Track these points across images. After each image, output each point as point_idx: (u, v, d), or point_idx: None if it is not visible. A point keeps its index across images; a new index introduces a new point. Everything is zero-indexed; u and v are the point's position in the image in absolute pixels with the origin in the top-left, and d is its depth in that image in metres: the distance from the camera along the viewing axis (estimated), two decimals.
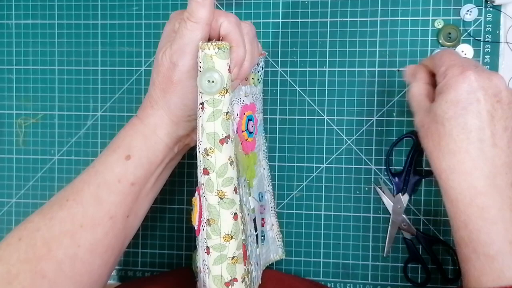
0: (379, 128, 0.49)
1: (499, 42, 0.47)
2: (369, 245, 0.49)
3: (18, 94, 0.53)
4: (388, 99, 0.48)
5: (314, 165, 0.50)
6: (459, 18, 0.47)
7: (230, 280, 0.34)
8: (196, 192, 0.36)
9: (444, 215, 0.48)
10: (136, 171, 0.37)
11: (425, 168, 0.48)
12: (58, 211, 0.36)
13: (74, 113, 0.52)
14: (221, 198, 0.34)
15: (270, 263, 0.48)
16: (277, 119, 0.50)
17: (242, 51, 0.34)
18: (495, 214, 0.34)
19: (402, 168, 0.48)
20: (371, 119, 0.49)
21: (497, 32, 0.47)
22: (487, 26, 0.47)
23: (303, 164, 0.50)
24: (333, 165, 0.49)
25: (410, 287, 0.49)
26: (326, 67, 0.49)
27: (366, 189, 0.49)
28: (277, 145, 0.50)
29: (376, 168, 0.49)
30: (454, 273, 0.48)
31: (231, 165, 0.34)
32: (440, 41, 0.47)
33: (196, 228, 0.36)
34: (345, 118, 0.49)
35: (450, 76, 0.35)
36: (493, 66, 0.47)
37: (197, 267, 0.38)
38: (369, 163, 0.49)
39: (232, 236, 0.34)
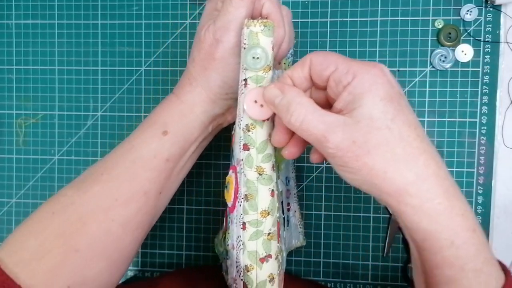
0: None
1: (499, 42, 0.47)
2: (369, 245, 0.49)
3: (18, 94, 0.53)
4: None
5: (314, 165, 0.50)
6: (459, 18, 0.47)
7: (265, 256, 0.35)
8: (231, 170, 0.37)
9: None
10: (172, 147, 0.37)
11: None
12: (92, 185, 0.35)
13: (74, 113, 0.52)
14: (260, 174, 0.34)
15: (291, 249, 0.48)
16: None
17: (282, 31, 0.35)
18: (471, 217, 0.29)
19: None
20: None
21: (497, 32, 0.47)
22: (487, 26, 0.47)
23: (303, 164, 0.50)
24: None
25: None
26: None
27: None
28: None
29: None
30: None
31: (270, 142, 0.34)
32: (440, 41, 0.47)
33: (230, 206, 0.37)
34: None
35: (363, 72, 0.29)
36: (493, 66, 0.47)
37: (228, 245, 0.38)
38: None
39: (268, 212, 0.34)
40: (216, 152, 0.51)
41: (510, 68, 0.47)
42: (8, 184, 0.54)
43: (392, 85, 0.29)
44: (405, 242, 0.48)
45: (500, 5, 0.46)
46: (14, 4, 0.53)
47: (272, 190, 0.34)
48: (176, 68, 0.51)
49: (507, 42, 0.47)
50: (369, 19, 0.48)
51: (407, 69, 0.48)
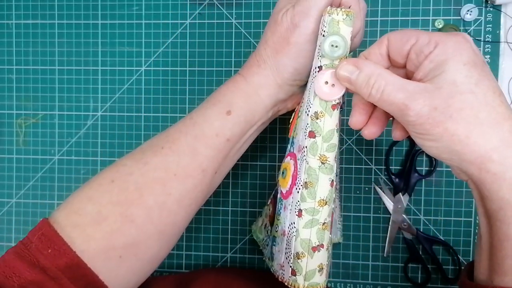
0: None
1: (499, 42, 0.47)
2: (369, 245, 0.49)
3: (18, 94, 0.53)
4: None
5: None
6: (459, 18, 0.47)
7: (318, 245, 0.34)
8: (288, 157, 0.37)
9: (444, 215, 0.48)
10: (234, 127, 0.37)
11: (425, 168, 0.48)
12: (152, 157, 0.36)
13: (74, 113, 0.52)
14: (322, 163, 0.34)
15: None
16: (277, 119, 0.50)
17: (358, 24, 0.35)
18: None
19: (402, 168, 0.48)
20: None
21: (497, 32, 0.47)
22: (487, 26, 0.47)
23: None
24: None
25: (410, 287, 0.49)
26: None
27: (366, 189, 0.49)
28: (277, 145, 0.50)
29: (376, 168, 0.49)
30: (454, 273, 0.48)
31: (337, 132, 0.34)
32: None
33: (284, 192, 0.37)
34: (345, 118, 0.49)
35: (446, 40, 0.29)
36: (493, 66, 0.47)
37: (277, 231, 0.38)
38: (369, 163, 0.49)
39: (326, 202, 0.34)
40: None
41: (510, 68, 0.47)
42: (8, 184, 0.54)
43: (475, 52, 0.29)
44: (406, 242, 0.48)
45: (500, 5, 0.46)
46: (14, 4, 0.53)
47: (332, 180, 0.34)
48: (176, 68, 0.51)
49: (507, 42, 0.47)
50: (369, 19, 0.48)
51: None
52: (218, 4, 0.50)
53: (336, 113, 0.34)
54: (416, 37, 0.30)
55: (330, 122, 0.33)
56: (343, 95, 0.34)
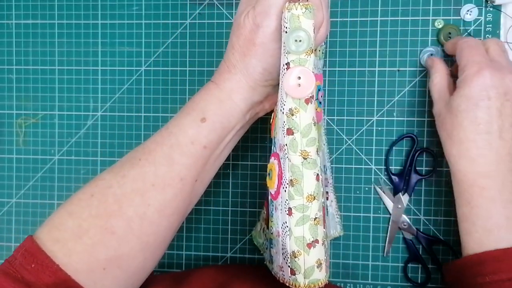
0: (379, 128, 0.49)
1: None
2: (369, 245, 0.49)
3: (18, 94, 0.53)
4: (388, 99, 0.48)
5: None
6: (459, 18, 0.47)
7: (312, 241, 0.34)
8: (272, 157, 0.37)
9: (444, 215, 0.48)
10: (210, 134, 0.37)
11: (425, 168, 0.48)
12: (130, 169, 0.36)
13: (74, 113, 0.52)
14: (304, 158, 0.34)
15: (330, 239, 0.48)
16: None
17: (320, 15, 0.35)
18: (494, 194, 0.38)
19: (402, 168, 0.48)
20: (371, 119, 0.49)
21: (497, 32, 0.47)
22: (487, 26, 0.47)
23: None
24: (333, 165, 0.49)
25: (410, 287, 0.49)
26: (326, 67, 0.49)
27: (366, 189, 0.49)
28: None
29: (376, 168, 0.49)
30: None
31: (314, 125, 0.34)
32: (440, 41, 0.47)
33: (273, 192, 0.37)
34: (345, 118, 0.49)
35: (467, 73, 0.38)
36: None
37: (272, 233, 0.38)
38: (369, 163, 0.49)
39: (314, 197, 0.34)
40: None
41: None
42: (8, 184, 0.54)
43: (481, 92, 0.38)
44: (406, 242, 0.48)
45: (500, 5, 0.46)
46: (14, 4, 0.53)
47: (317, 174, 0.34)
48: (176, 68, 0.51)
49: (507, 42, 0.47)
50: (369, 19, 0.48)
51: (407, 69, 0.48)
52: (218, 4, 0.50)
53: (311, 106, 0.33)
54: (466, 62, 0.40)
55: (306, 117, 0.33)
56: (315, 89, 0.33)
